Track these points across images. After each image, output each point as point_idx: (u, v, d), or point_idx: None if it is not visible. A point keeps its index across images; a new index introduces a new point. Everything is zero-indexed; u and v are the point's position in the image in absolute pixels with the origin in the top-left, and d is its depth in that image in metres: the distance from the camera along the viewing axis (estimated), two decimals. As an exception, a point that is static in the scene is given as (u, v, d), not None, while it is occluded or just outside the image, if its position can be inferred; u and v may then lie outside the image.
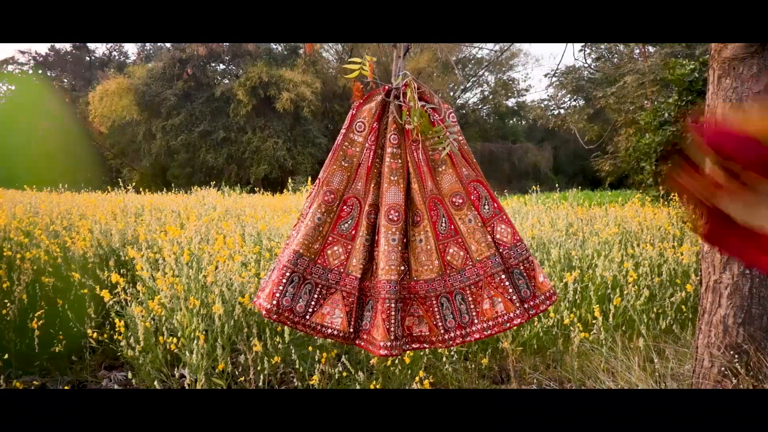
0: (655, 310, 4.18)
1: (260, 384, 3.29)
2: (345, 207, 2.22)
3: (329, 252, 2.20)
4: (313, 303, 2.16)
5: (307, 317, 2.15)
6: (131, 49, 39.12)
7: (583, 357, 3.73)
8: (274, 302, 2.09)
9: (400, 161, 2.20)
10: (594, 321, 3.87)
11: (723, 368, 2.65)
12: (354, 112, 2.25)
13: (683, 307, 4.23)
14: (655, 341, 3.81)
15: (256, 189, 15.13)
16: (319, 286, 2.18)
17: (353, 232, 2.21)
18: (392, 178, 2.18)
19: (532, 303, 2.17)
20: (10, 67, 34.73)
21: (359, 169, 2.23)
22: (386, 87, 2.23)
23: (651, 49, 19.99)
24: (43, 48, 59.13)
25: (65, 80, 34.86)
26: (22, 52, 34.80)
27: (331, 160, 2.23)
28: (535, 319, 3.96)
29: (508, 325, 2.16)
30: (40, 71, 35.32)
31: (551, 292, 2.19)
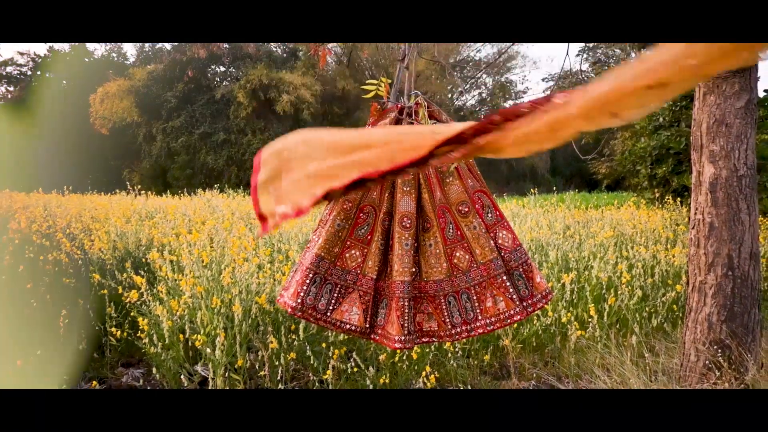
0: (647, 309, 4.41)
1: (277, 378, 3.50)
2: (361, 214, 2.44)
3: (347, 255, 2.42)
4: (333, 301, 2.38)
5: (328, 314, 2.37)
6: (130, 50, 39.28)
7: (579, 353, 3.95)
8: (299, 301, 2.32)
9: (411, 173, 2.42)
10: (590, 320, 4.09)
11: (708, 362, 2.87)
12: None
13: (674, 306, 4.45)
14: (647, 338, 4.04)
15: (258, 191, 15.30)
16: (339, 286, 2.40)
17: (369, 237, 2.43)
18: (405, 188, 2.41)
19: (530, 301, 2.40)
20: (9, 68, 34.84)
21: None
22: (399, 105, 2.45)
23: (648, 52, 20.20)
24: (42, 49, 59.09)
25: (64, 81, 34.96)
26: (21, 53, 34.84)
27: None
28: (534, 317, 4.18)
29: (508, 321, 2.39)
30: (38, 72, 35.43)
31: (547, 291, 2.42)
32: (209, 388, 3.40)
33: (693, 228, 3.00)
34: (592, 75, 22.49)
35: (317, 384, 3.67)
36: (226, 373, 3.46)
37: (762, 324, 2.92)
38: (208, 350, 3.31)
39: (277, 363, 3.52)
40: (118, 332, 3.90)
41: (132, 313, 4.32)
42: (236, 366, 3.49)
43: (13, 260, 4.54)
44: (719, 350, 2.86)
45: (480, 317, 2.40)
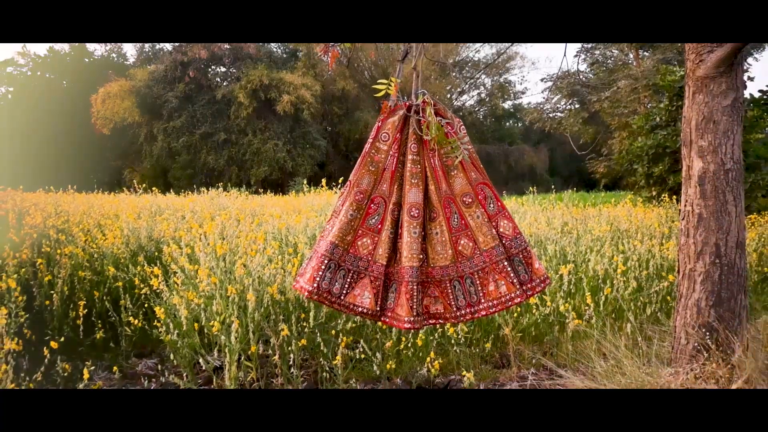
0: (642, 299, 4.59)
1: (288, 364, 3.67)
2: (372, 205, 2.62)
3: (359, 243, 2.60)
4: (346, 286, 2.56)
5: (342, 298, 2.55)
6: (130, 50, 39.41)
7: (576, 341, 4.13)
8: (315, 285, 2.50)
9: (419, 166, 2.60)
10: (587, 309, 4.27)
11: (697, 344, 3.05)
12: (380, 124, 2.65)
13: (668, 297, 4.64)
14: (642, 327, 4.22)
15: (260, 190, 15.50)
16: (351, 271, 2.58)
17: (379, 226, 2.61)
18: (413, 180, 2.59)
19: (529, 285, 2.59)
20: (9, 69, 34.94)
21: (384, 173, 2.63)
22: (407, 103, 2.63)
23: (645, 53, 20.49)
24: (42, 49, 59.20)
25: (64, 82, 35.07)
26: (21, 54, 34.89)
27: (360, 165, 2.63)
28: (533, 308, 4.36)
29: (509, 303, 2.58)
30: (39, 72, 35.53)
31: (545, 276, 2.60)
32: (224, 373, 3.57)
33: (683, 219, 3.18)
34: (591, 75, 22.70)
35: (327, 370, 3.84)
36: (240, 359, 3.64)
37: (748, 309, 3.10)
38: (223, 338, 3.48)
39: (288, 350, 3.70)
40: (136, 321, 4.08)
41: (146, 305, 4.49)
42: (249, 353, 3.66)
43: (31, 254, 4.71)
44: (707, 333, 3.03)
45: (483, 300, 2.58)
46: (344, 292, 2.55)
